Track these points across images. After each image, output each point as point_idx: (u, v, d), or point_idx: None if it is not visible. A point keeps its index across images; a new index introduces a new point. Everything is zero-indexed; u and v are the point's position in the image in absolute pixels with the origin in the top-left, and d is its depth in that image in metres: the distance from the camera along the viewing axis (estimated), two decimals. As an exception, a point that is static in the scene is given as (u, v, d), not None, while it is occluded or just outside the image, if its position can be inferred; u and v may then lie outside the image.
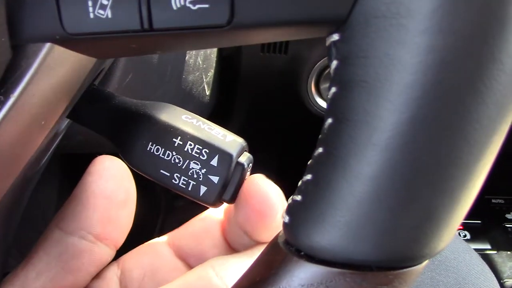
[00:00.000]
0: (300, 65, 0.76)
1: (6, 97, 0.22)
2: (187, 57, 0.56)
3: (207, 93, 0.69)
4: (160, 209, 1.20)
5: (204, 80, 0.65)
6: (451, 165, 0.19)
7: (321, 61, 0.75)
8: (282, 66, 0.77)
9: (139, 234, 1.21)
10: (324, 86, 0.78)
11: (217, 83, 0.76)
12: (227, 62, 0.79)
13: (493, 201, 0.99)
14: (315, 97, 0.78)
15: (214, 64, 0.70)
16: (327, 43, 0.20)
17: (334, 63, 0.20)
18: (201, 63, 0.61)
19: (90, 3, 0.20)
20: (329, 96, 0.21)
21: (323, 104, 0.79)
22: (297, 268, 0.21)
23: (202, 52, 0.61)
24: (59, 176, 1.21)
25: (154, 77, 0.49)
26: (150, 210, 1.21)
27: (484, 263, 0.56)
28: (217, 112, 0.84)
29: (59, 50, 0.22)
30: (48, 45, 0.22)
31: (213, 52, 0.68)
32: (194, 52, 0.58)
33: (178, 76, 0.55)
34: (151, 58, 0.46)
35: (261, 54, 0.76)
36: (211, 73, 0.68)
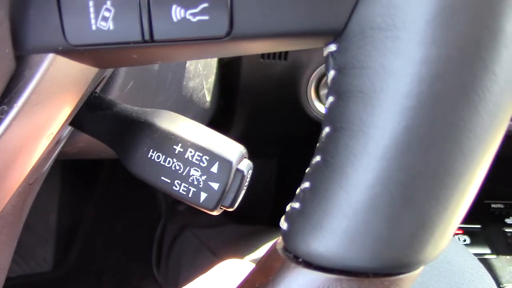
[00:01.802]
0: (299, 71, 0.76)
1: (10, 106, 0.22)
2: (187, 64, 0.56)
3: (208, 99, 0.69)
4: (161, 214, 1.20)
5: (205, 86, 0.65)
6: (445, 173, 0.19)
7: (321, 67, 0.76)
8: (282, 72, 0.77)
9: (139, 238, 1.21)
10: (323, 92, 0.78)
11: (217, 89, 0.76)
12: (227, 69, 0.80)
13: (492, 206, 1.00)
14: (315, 103, 0.79)
15: (214, 71, 0.70)
16: (325, 53, 0.21)
17: (331, 73, 0.20)
18: (202, 70, 0.62)
19: (92, 15, 0.21)
20: (326, 106, 0.21)
21: (322, 109, 0.79)
22: (295, 274, 0.21)
23: (202, 58, 0.62)
24: (59, 182, 1.21)
25: (155, 84, 0.49)
26: (151, 214, 1.22)
27: (481, 265, 0.56)
28: (217, 118, 0.84)
29: (62, 60, 0.23)
30: (50, 55, 0.22)
31: (213, 59, 0.69)
32: (194, 58, 0.58)
33: (178, 82, 0.55)
34: (152, 66, 0.46)
35: (261, 60, 0.76)
36: (211, 79, 0.69)
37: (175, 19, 0.20)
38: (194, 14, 0.20)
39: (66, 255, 1.23)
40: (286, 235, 0.22)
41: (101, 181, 1.29)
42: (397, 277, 0.21)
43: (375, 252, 0.20)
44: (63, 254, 1.22)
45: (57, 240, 1.21)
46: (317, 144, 0.22)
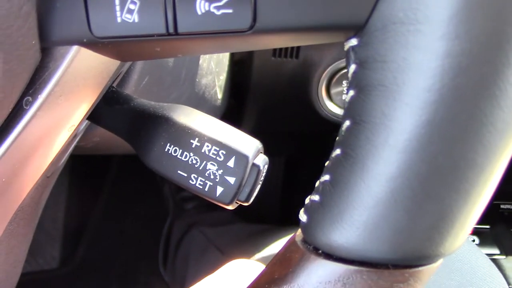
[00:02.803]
0: (311, 70, 0.76)
1: (34, 97, 0.22)
2: (200, 61, 0.56)
3: (219, 96, 0.69)
4: (168, 212, 1.20)
5: (217, 83, 0.65)
6: (466, 167, 0.19)
7: (332, 65, 0.75)
8: (293, 71, 0.77)
9: (147, 236, 1.20)
10: (334, 90, 0.78)
11: (229, 87, 0.76)
12: (239, 66, 0.80)
13: (502, 206, 0.99)
14: (326, 102, 0.78)
15: (226, 68, 0.70)
16: (346, 47, 0.21)
17: (352, 67, 0.21)
18: (214, 67, 0.62)
19: (117, 8, 0.21)
20: (346, 99, 0.21)
21: (333, 108, 0.79)
22: (315, 265, 0.21)
23: (215, 56, 0.62)
24: (67, 179, 1.22)
25: (169, 80, 0.50)
26: (159, 212, 1.22)
27: (492, 264, 0.55)
28: (228, 115, 0.84)
29: (86, 52, 0.23)
30: (75, 48, 0.23)
31: (225, 56, 0.69)
32: (207, 56, 0.58)
33: (192, 79, 0.55)
34: (167, 62, 0.46)
35: (273, 59, 0.76)
36: (223, 76, 0.69)
37: (199, 12, 0.21)
38: (218, 7, 0.20)
39: (74, 253, 1.23)
40: (305, 227, 0.22)
41: (109, 179, 1.29)
42: (416, 269, 0.21)
43: (395, 244, 0.20)
44: (70, 252, 1.23)
45: (65, 237, 1.22)
46: (337, 138, 0.22)
